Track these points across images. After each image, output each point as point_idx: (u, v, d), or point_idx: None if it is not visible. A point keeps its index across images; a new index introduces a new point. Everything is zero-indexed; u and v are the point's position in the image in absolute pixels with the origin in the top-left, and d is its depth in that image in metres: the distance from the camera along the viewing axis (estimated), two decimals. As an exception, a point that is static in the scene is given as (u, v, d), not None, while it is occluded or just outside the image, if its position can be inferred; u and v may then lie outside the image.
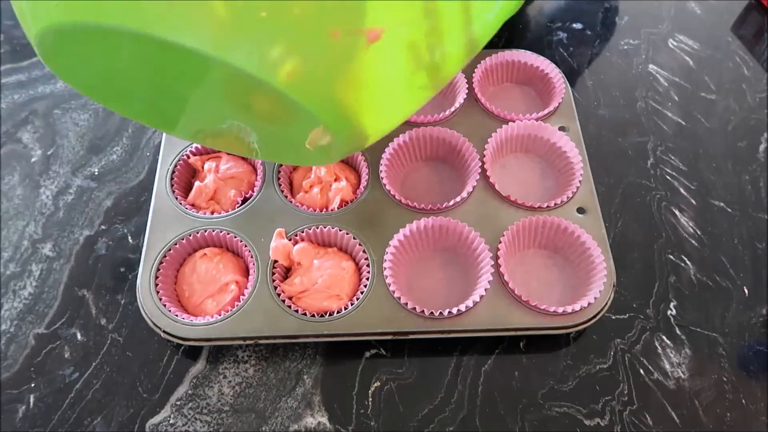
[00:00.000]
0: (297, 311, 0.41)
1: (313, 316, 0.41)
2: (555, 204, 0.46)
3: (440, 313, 0.41)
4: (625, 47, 0.62)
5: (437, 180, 0.50)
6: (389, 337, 0.42)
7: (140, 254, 0.44)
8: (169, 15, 0.24)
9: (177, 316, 0.41)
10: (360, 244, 0.44)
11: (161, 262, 0.43)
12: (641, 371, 0.43)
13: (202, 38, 0.25)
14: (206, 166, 0.48)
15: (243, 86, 0.28)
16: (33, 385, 0.42)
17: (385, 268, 0.42)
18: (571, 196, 0.47)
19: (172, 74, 0.31)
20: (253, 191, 0.47)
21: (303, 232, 0.45)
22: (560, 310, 0.41)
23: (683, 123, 0.56)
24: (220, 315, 0.41)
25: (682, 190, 0.52)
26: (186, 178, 0.49)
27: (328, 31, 0.26)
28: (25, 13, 0.28)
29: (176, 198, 0.46)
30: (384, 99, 0.31)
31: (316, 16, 0.25)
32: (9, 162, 0.52)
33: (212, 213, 0.46)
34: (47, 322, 0.44)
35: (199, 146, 0.49)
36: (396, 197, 0.46)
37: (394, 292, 0.41)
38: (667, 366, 0.43)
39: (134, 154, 0.53)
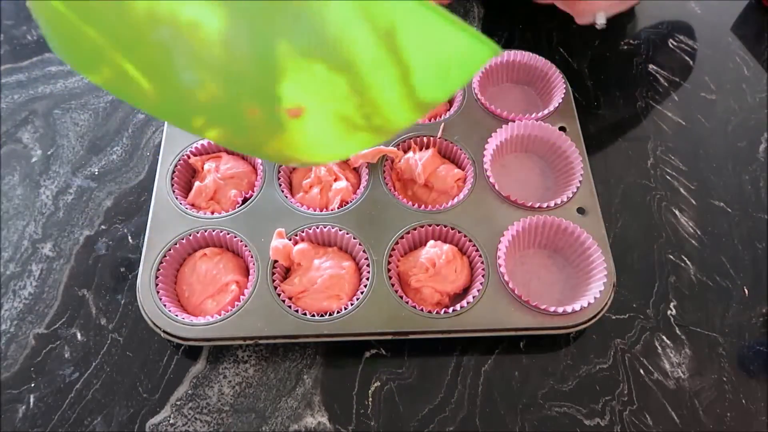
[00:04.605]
0: (297, 311, 0.41)
1: (313, 316, 0.41)
2: (555, 204, 0.46)
3: (439, 312, 0.41)
4: (625, 47, 0.62)
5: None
6: (389, 337, 0.42)
7: (140, 254, 0.44)
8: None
9: (177, 316, 0.41)
10: (360, 244, 0.44)
11: (161, 262, 0.43)
12: (641, 371, 0.43)
13: (143, 105, 0.29)
14: (206, 166, 0.48)
15: None
16: (33, 385, 0.42)
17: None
18: (571, 196, 0.47)
19: None
20: (253, 191, 0.47)
21: (303, 232, 0.45)
22: (560, 310, 0.41)
23: (683, 123, 0.56)
24: (220, 315, 0.41)
25: (682, 190, 0.52)
26: (186, 178, 0.49)
27: (245, 109, 0.27)
28: None
29: (176, 198, 0.46)
30: (319, 150, 0.32)
31: (230, 97, 0.27)
32: (9, 162, 0.52)
33: (212, 213, 0.46)
34: (47, 322, 0.44)
35: (199, 146, 0.49)
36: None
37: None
38: (667, 366, 0.43)
39: (134, 154, 0.53)
